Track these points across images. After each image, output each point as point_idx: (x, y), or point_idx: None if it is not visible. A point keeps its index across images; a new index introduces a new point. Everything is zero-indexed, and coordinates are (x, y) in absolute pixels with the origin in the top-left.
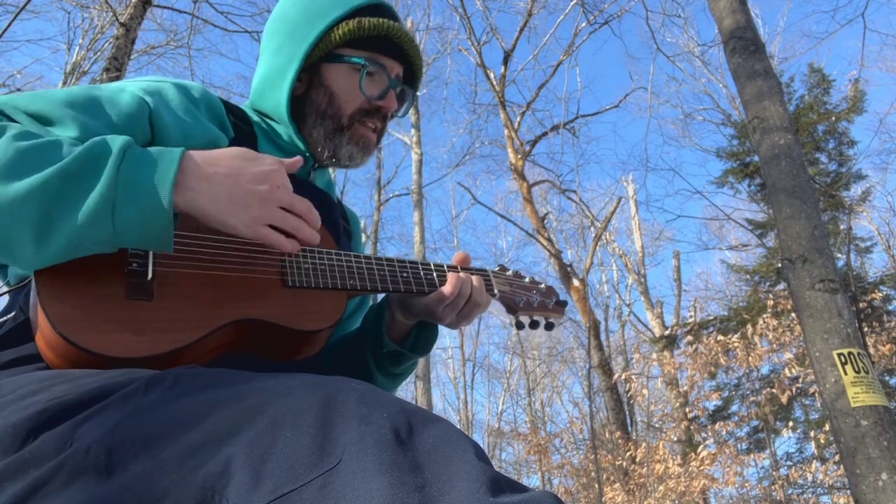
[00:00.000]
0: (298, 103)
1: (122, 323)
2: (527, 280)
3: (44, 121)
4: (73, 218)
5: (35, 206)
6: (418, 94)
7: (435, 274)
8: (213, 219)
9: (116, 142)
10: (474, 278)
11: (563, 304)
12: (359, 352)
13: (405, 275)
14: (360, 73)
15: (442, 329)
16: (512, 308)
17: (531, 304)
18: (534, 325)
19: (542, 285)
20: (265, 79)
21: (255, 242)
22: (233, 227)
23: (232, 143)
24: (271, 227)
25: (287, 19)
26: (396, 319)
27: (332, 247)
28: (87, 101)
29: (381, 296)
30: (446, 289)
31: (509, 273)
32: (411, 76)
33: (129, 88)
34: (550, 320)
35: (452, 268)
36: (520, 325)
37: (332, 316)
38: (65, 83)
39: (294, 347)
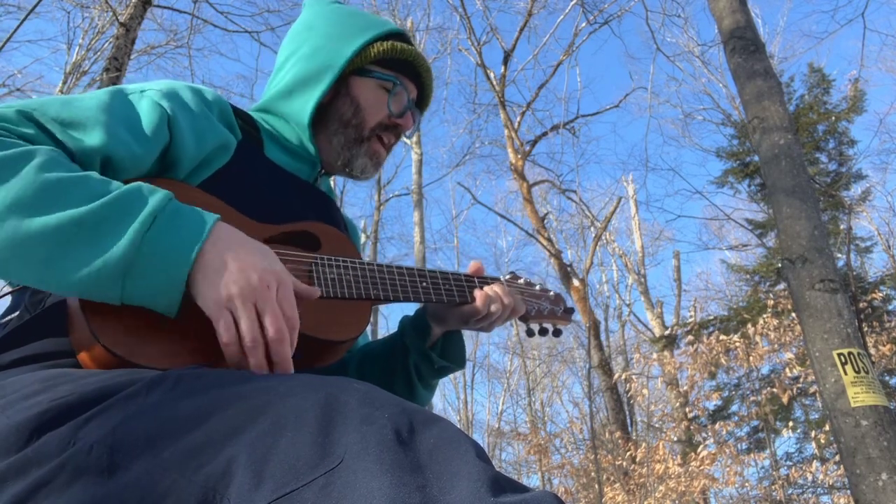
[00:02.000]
0: (320, 110)
1: (161, 334)
2: (537, 288)
3: (72, 126)
4: (80, 271)
5: (44, 251)
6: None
7: (453, 283)
8: (191, 281)
9: (150, 201)
10: (497, 287)
11: (571, 310)
12: (402, 368)
13: (425, 285)
14: (391, 90)
15: None
16: (524, 316)
17: (542, 311)
18: (543, 332)
19: (552, 293)
20: (296, 82)
21: (283, 252)
22: (198, 294)
23: (238, 146)
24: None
25: (321, 29)
26: (433, 333)
27: (351, 252)
28: (112, 107)
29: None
30: (479, 305)
31: (521, 281)
32: (421, 102)
33: (149, 94)
34: (558, 327)
35: (469, 278)
36: (530, 333)
37: (359, 326)
38: (64, 83)
39: (318, 356)
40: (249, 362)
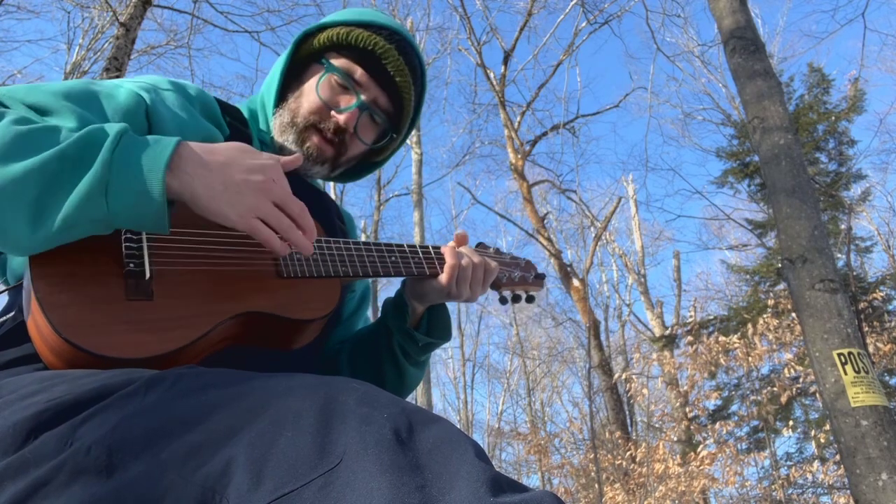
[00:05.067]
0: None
1: (125, 324)
2: (507, 257)
3: (42, 111)
4: (68, 198)
5: (33, 187)
6: (399, 135)
7: (422, 255)
8: (206, 205)
9: (114, 127)
10: (464, 248)
11: (542, 276)
12: (388, 349)
13: (394, 259)
14: (322, 74)
15: None
16: (495, 283)
17: (513, 278)
18: (516, 298)
19: (522, 260)
20: (271, 70)
21: (246, 238)
22: (224, 216)
23: (227, 141)
24: (264, 222)
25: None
26: (415, 310)
27: (320, 234)
28: (84, 95)
29: (381, 294)
30: (450, 261)
31: (490, 250)
32: (399, 115)
33: (126, 85)
34: (531, 293)
35: (437, 249)
36: (503, 300)
37: (330, 303)
38: None
39: (292, 337)
40: (294, 243)
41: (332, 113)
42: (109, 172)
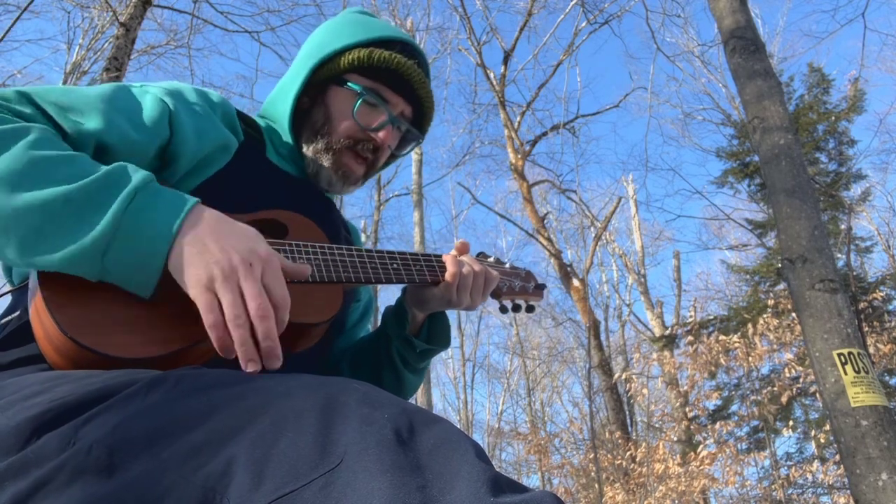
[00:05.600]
0: (303, 118)
1: (129, 324)
2: (507, 266)
3: (71, 111)
4: (63, 245)
5: (29, 223)
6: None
7: (423, 263)
8: (173, 265)
9: (133, 178)
10: (465, 256)
11: (542, 286)
12: (387, 356)
13: (395, 266)
14: (357, 99)
15: None
16: (496, 293)
17: (513, 288)
18: (516, 308)
19: (522, 270)
20: (279, 89)
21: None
22: (180, 276)
23: (241, 148)
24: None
25: (319, 36)
26: (416, 318)
27: (319, 237)
28: (113, 98)
29: (382, 301)
30: (451, 269)
31: (491, 260)
32: (421, 119)
33: (152, 90)
34: (531, 303)
35: (438, 258)
36: (503, 310)
37: (332, 309)
38: (65, 83)
39: (294, 340)
40: (234, 341)
41: (369, 133)
42: (114, 237)
